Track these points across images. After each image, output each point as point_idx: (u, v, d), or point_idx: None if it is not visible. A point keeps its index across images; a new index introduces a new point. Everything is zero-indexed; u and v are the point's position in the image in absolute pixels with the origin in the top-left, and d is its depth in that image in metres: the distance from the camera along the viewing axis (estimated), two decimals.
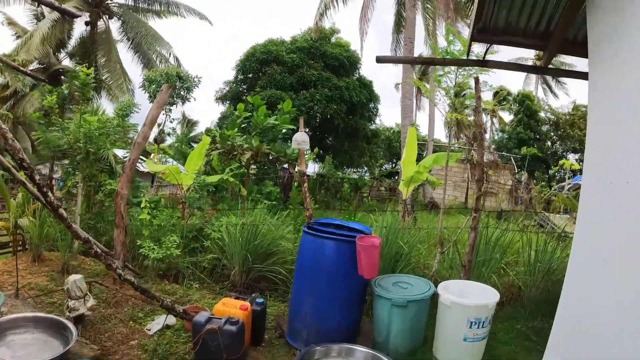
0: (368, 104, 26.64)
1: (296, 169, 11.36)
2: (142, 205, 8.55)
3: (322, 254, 4.85)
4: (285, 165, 21.65)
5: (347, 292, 4.88)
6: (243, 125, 12.89)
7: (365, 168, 35.89)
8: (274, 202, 14.69)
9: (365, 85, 26.33)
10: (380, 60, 5.30)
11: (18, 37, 24.36)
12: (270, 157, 11.34)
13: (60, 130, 8.95)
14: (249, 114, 13.05)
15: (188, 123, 44.54)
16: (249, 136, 11.60)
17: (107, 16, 25.91)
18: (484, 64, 5.32)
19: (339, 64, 25.10)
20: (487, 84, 6.63)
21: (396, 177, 35.61)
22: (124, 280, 4.67)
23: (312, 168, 36.83)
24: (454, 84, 6.75)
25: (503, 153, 36.53)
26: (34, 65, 26.82)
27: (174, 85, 7.52)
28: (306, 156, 12.71)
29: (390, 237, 6.33)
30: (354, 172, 35.04)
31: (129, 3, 26.59)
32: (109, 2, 25.98)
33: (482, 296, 4.76)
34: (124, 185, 7.35)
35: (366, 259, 4.56)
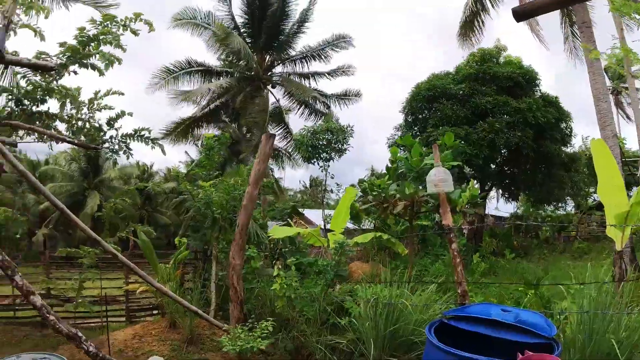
0: (558, 124, 22.65)
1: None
2: (275, 273, 7.41)
3: None
4: (473, 211, 18.93)
5: None
6: (400, 171, 11.15)
7: (571, 201, 30.69)
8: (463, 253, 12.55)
9: (551, 103, 22.49)
10: (519, 12, 3.16)
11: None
12: (430, 205, 9.28)
13: (191, 197, 8.49)
14: (404, 157, 11.31)
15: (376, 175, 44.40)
16: (402, 183, 9.81)
17: (270, 85, 27.27)
18: None
19: (513, 84, 21.95)
20: None
21: None
22: None
23: (506, 208, 33.04)
24: None
25: None
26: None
27: (273, 134, 6.53)
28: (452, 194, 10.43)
29: (597, 329, 3.77)
30: (557, 207, 30.11)
31: (288, 70, 27.70)
32: (271, 73, 27.34)
33: None
34: (236, 254, 6.28)
35: None
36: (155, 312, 11.19)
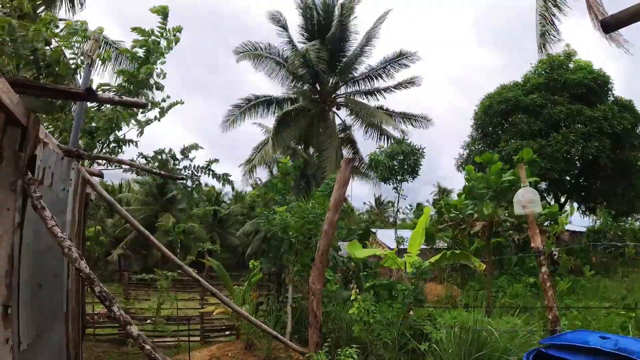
0: (634, 129, 21.47)
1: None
2: (352, 297, 7.33)
3: None
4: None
5: None
6: (480, 191, 10.79)
7: None
8: (533, 280, 11.97)
9: (626, 107, 21.44)
10: (609, 24, 2.93)
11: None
12: (509, 224, 8.90)
13: (267, 221, 8.59)
14: (480, 175, 10.95)
15: (443, 192, 43.41)
16: (480, 203, 9.45)
17: (335, 107, 27.59)
18: None
19: (586, 90, 21.05)
20: None
21: None
22: None
23: (582, 222, 31.13)
24: None
25: None
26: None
27: (352, 159, 6.56)
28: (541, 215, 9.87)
29: None
30: (637, 219, 28.17)
31: (352, 90, 27.81)
32: (335, 95, 27.57)
33: None
34: (316, 280, 6.24)
35: None
36: (227, 332, 11.37)
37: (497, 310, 6.93)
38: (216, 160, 7.22)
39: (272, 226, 8.31)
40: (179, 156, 7.11)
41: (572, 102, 20.69)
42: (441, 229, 10.46)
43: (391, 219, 35.48)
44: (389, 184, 17.56)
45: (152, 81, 6.32)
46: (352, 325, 7.05)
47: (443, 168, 77.43)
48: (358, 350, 5.99)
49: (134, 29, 6.19)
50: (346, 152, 28.03)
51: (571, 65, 22.50)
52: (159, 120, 6.65)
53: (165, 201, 36.19)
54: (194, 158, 7.03)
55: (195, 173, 7.01)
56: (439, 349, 5.74)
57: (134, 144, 6.81)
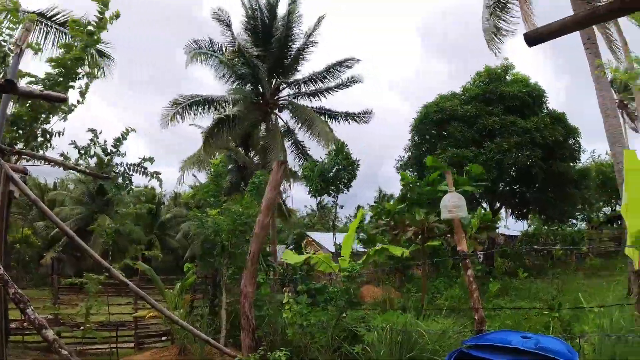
0: (566, 140, 22.61)
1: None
2: (285, 299, 7.33)
3: None
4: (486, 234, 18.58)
5: None
6: (411, 195, 11.02)
7: (582, 216, 30.48)
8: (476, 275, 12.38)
9: (558, 120, 22.49)
10: (531, 38, 3.05)
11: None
12: (441, 229, 9.15)
13: (200, 224, 8.44)
14: (417, 181, 11.22)
15: (384, 198, 44.08)
16: (412, 208, 9.69)
17: (277, 110, 27.37)
18: None
19: (521, 103, 21.98)
20: None
21: (619, 222, 29.28)
22: None
23: (516, 226, 32.72)
24: None
25: None
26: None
27: (285, 161, 6.54)
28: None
29: (620, 353, 3.69)
30: (566, 224, 29.79)
31: (295, 91, 27.72)
32: (277, 97, 27.43)
33: None
34: (248, 282, 6.21)
35: None
36: (164, 338, 11.08)
37: (430, 312, 7.10)
38: (150, 159, 6.90)
39: (204, 229, 8.18)
40: (110, 149, 6.79)
41: (507, 114, 21.57)
42: (378, 232, 10.64)
43: (331, 223, 35.86)
44: (325, 196, 17.72)
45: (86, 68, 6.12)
46: (286, 328, 7.05)
47: (389, 172, 78.77)
48: (288, 354, 5.98)
49: (72, 22, 6.00)
50: (292, 155, 27.91)
51: (508, 78, 23.48)
52: (82, 103, 6.36)
53: (102, 202, 34.89)
54: (124, 154, 6.74)
55: (127, 171, 6.72)
56: (371, 350, 5.82)
57: (59, 135, 6.50)
